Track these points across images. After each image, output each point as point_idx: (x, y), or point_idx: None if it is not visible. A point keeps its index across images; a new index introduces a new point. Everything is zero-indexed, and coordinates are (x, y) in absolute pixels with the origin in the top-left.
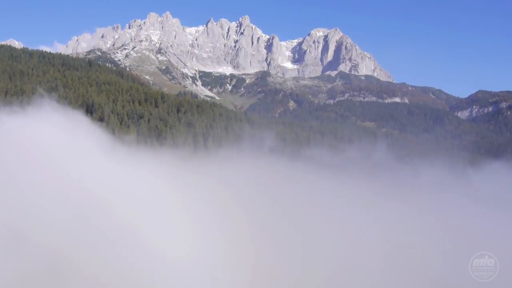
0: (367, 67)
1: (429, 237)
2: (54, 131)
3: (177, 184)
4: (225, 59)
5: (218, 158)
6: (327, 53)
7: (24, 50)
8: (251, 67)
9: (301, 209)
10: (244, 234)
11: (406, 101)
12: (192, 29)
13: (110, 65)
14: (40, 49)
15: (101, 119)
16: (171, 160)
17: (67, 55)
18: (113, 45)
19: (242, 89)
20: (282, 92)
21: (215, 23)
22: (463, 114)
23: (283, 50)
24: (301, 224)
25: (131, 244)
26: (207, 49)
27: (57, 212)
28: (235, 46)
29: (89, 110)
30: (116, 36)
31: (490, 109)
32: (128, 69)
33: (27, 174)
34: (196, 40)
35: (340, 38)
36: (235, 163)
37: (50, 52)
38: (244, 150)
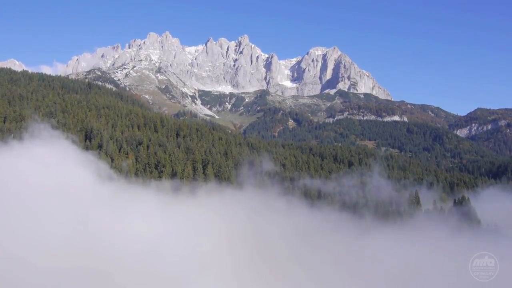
0: (366, 85)
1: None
2: (46, 168)
3: (172, 219)
4: (224, 78)
5: (216, 188)
6: (326, 72)
7: (24, 73)
8: (250, 86)
9: (290, 245)
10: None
11: (405, 119)
12: (192, 49)
13: (109, 86)
14: (40, 72)
15: (100, 146)
16: (168, 192)
17: (67, 78)
18: (113, 64)
19: (242, 107)
20: (282, 111)
21: (214, 42)
22: (462, 132)
23: (282, 68)
24: (288, 261)
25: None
26: (207, 68)
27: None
28: (234, 65)
29: (88, 136)
30: (116, 56)
31: (489, 126)
32: (127, 88)
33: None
34: (195, 59)
35: (338, 57)
36: (232, 193)
37: (50, 75)
38: (243, 178)
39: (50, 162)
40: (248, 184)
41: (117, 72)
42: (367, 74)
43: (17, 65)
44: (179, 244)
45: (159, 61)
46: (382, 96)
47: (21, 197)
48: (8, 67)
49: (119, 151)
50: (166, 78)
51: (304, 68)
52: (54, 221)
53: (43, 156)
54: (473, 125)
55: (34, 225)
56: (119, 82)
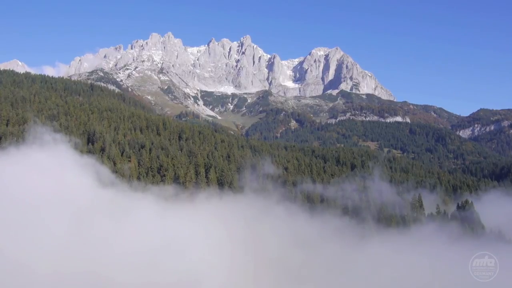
0: (368, 85)
1: None
2: (48, 172)
3: (172, 225)
4: (226, 79)
5: (218, 193)
6: (328, 72)
7: (26, 75)
8: (252, 86)
9: (289, 253)
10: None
11: (408, 120)
12: (194, 49)
13: (112, 87)
14: (43, 73)
15: (102, 149)
16: (169, 198)
17: (69, 79)
18: (116, 65)
19: (244, 108)
20: (284, 112)
21: (216, 42)
22: (465, 133)
23: (284, 69)
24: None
25: None
26: (209, 69)
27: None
28: (236, 66)
29: (91, 139)
30: (119, 56)
31: (492, 127)
32: (130, 89)
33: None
34: (197, 59)
35: (341, 57)
36: (234, 199)
37: (52, 77)
38: (245, 182)
39: (52, 167)
40: (251, 188)
41: (119, 73)
42: (370, 74)
43: (19, 66)
44: (177, 252)
45: (161, 62)
46: (384, 96)
47: (22, 202)
48: (11, 68)
49: (121, 155)
50: (168, 79)
51: (306, 68)
52: (54, 226)
53: (45, 160)
54: (475, 125)
55: (34, 230)
56: (121, 83)
